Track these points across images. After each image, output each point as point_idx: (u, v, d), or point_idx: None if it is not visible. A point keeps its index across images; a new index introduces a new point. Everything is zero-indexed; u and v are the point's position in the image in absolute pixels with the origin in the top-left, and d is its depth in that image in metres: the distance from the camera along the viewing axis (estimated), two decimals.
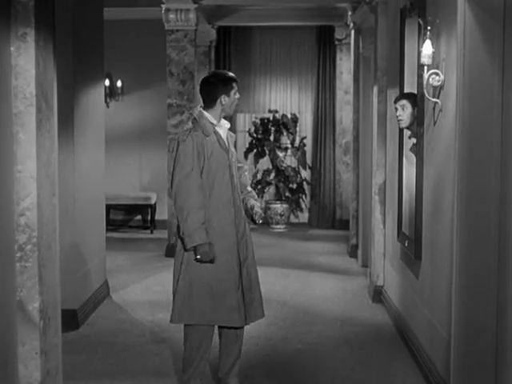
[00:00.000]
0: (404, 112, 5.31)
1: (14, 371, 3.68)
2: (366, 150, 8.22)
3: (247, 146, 11.68)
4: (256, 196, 4.64)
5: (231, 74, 4.46)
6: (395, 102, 5.44)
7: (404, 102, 5.33)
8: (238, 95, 4.42)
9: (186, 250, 4.22)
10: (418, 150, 5.08)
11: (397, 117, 5.40)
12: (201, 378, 4.40)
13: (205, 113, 4.35)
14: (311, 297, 7.04)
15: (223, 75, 4.42)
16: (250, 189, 4.59)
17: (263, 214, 4.51)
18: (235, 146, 4.61)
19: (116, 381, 4.78)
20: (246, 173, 4.64)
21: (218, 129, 4.35)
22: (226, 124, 4.43)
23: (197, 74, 8.86)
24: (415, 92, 5.18)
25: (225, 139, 4.39)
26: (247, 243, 4.42)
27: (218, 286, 4.26)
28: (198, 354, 4.33)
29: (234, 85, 4.37)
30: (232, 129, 11.66)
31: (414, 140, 5.32)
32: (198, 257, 4.18)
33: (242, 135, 11.85)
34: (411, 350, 5.23)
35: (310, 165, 11.76)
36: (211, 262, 4.22)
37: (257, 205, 4.51)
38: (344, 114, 11.40)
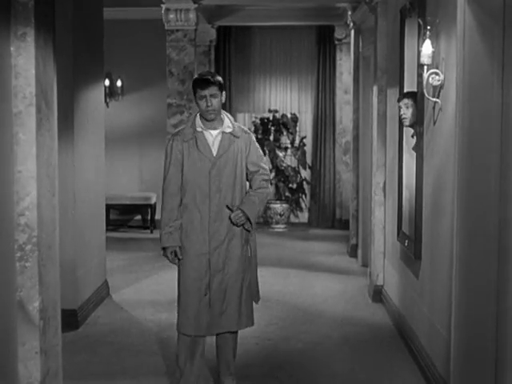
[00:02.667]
0: (408, 110, 5.33)
1: (14, 371, 3.68)
2: (366, 150, 8.22)
3: None
4: (254, 197, 4.31)
5: (204, 77, 4.20)
6: (399, 100, 5.46)
7: (407, 100, 5.35)
8: (205, 103, 4.16)
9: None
10: (418, 149, 5.08)
11: (400, 115, 5.41)
12: (197, 382, 4.42)
13: (195, 116, 4.30)
14: (311, 296, 7.04)
15: (194, 78, 4.29)
16: (251, 192, 4.35)
17: (242, 217, 4.22)
18: (249, 149, 4.32)
19: (116, 381, 4.78)
20: (258, 176, 4.35)
21: (205, 133, 4.23)
22: (225, 128, 4.26)
23: (197, 74, 8.86)
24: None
25: (212, 143, 4.23)
26: (229, 252, 4.27)
27: (185, 293, 4.28)
28: (187, 359, 4.35)
29: (199, 90, 4.16)
30: None
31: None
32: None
33: None
34: (411, 350, 5.23)
35: (310, 164, 11.76)
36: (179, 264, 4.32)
37: (236, 208, 4.25)
38: (344, 114, 11.40)
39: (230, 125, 4.28)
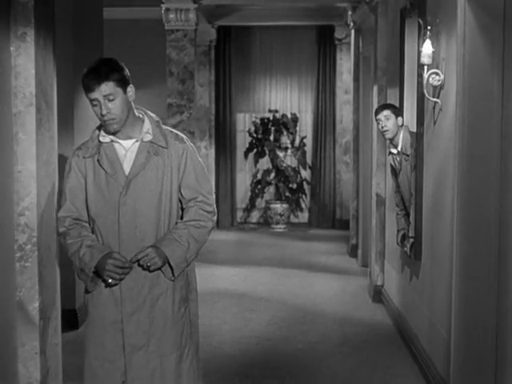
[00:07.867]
0: (389, 122, 5.30)
1: (14, 371, 3.68)
2: (366, 150, 8.22)
3: (247, 145, 11.70)
4: (181, 232, 2.96)
5: (91, 73, 2.89)
6: (376, 114, 5.42)
7: (387, 112, 5.33)
8: (98, 110, 2.89)
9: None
10: (418, 149, 5.08)
11: (382, 128, 5.36)
12: None
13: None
14: (311, 296, 7.04)
15: (82, 75, 2.92)
16: (180, 224, 2.99)
17: (154, 258, 2.88)
18: (184, 166, 3.04)
19: None
20: (195, 205, 3.01)
21: (116, 145, 3.00)
22: (144, 135, 3.03)
23: (197, 74, 8.86)
24: (394, 103, 5.23)
25: (124, 159, 2.99)
26: (154, 318, 2.97)
27: (92, 381, 3.05)
28: None
29: (86, 93, 2.90)
30: (232, 129, 11.74)
31: (393, 150, 5.33)
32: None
33: (242, 135, 11.86)
34: (411, 350, 5.23)
35: (310, 165, 11.76)
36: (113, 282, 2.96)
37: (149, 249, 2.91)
38: (344, 114, 11.41)
39: (151, 130, 3.05)
